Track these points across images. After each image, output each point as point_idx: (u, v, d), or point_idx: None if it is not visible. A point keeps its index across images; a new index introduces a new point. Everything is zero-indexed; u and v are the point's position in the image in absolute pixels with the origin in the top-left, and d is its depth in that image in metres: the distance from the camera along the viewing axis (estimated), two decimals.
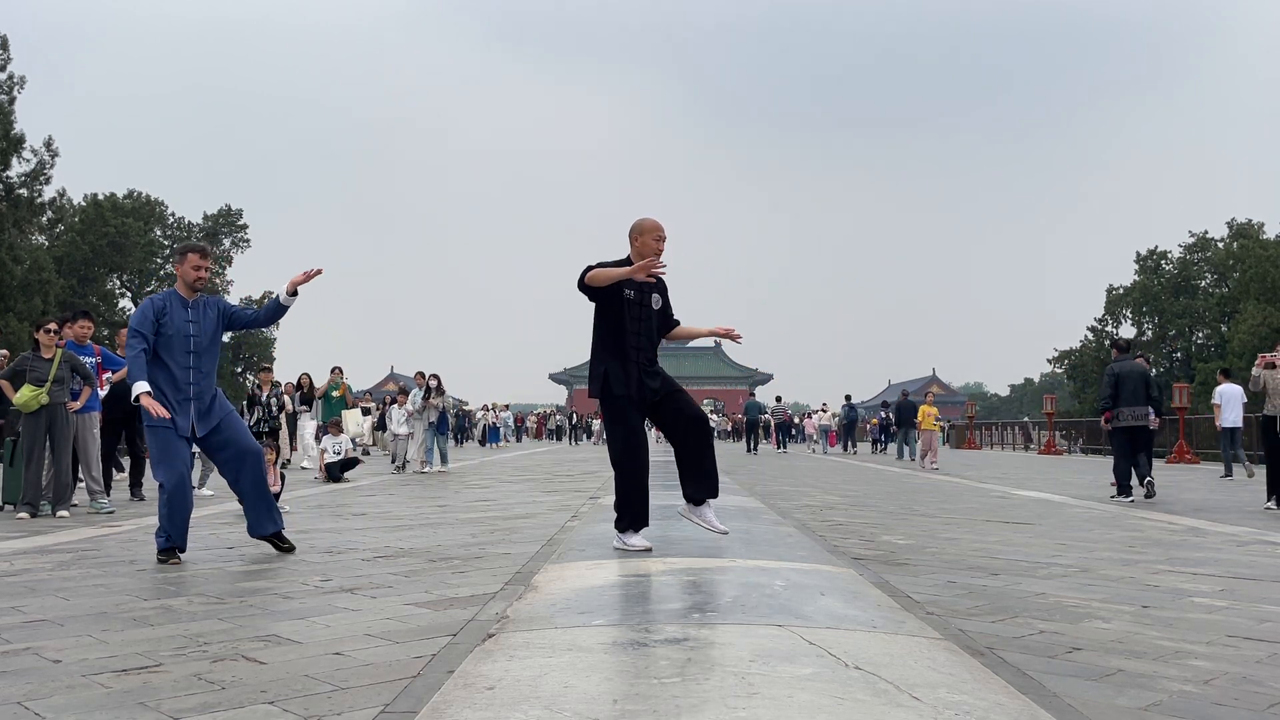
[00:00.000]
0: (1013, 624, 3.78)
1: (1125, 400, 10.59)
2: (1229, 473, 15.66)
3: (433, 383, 15.34)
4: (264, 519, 5.64)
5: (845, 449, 31.09)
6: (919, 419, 19.79)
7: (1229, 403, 15.90)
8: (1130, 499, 10.29)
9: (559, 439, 49.13)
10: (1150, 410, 10.57)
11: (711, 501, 5.40)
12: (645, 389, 5.21)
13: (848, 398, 31.66)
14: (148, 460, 13.13)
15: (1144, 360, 11.24)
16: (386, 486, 12.08)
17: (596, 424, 42.90)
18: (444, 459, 15.95)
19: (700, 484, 5.32)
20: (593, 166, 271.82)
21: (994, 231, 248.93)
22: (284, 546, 5.69)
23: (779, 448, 30.98)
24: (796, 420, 40.14)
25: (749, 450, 27.73)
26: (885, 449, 31.30)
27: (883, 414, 32.07)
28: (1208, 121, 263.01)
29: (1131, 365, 10.81)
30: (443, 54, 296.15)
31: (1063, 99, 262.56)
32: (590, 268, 5.19)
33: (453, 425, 22.30)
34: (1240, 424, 16.12)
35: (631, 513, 5.20)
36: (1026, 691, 2.78)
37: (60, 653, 3.21)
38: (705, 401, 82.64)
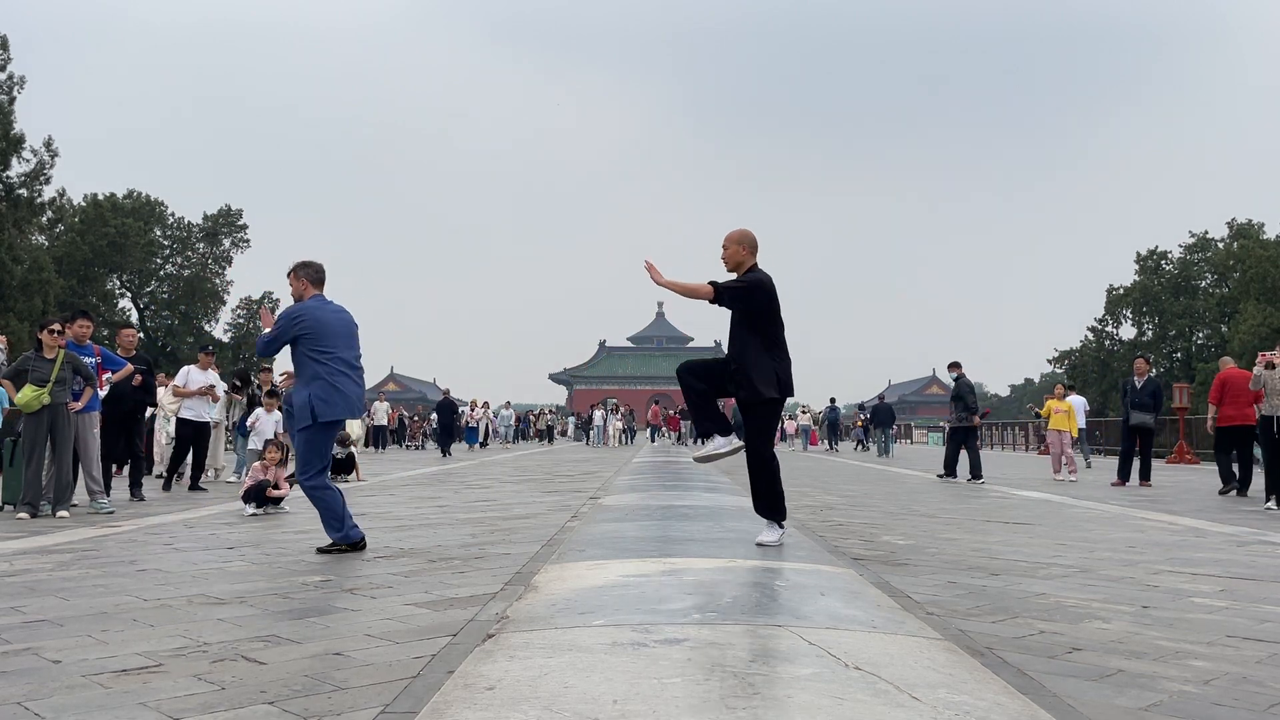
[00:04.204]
0: (1013, 624, 3.78)
1: (971, 407, 14.29)
2: (1087, 465, 20.54)
3: (237, 381, 13.89)
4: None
5: (830, 447, 33.55)
6: (1043, 413, 16.36)
7: (1075, 409, 18.54)
8: (955, 479, 13.78)
9: (550, 440, 46.50)
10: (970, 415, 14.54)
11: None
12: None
13: (832, 400, 34.48)
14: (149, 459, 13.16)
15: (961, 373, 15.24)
16: (386, 487, 12.08)
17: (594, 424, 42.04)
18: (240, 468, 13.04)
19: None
20: (594, 166, 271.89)
21: (994, 231, 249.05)
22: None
23: None
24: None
25: None
26: (867, 448, 33.24)
27: (864, 415, 34.48)
28: (1208, 121, 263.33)
29: (968, 380, 14.85)
30: (444, 56, 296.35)
31: (1063, 99, 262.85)
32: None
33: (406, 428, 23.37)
34: (1083, 426, 20.07)
35: (782, 506, 5.54)
36: (1026, 691, 2.78)
37: (60, 653, 3.21)
38: None
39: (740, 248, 5.70)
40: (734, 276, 5.66)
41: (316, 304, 5.89)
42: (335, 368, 5.72)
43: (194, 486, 11.42)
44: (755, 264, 5.72)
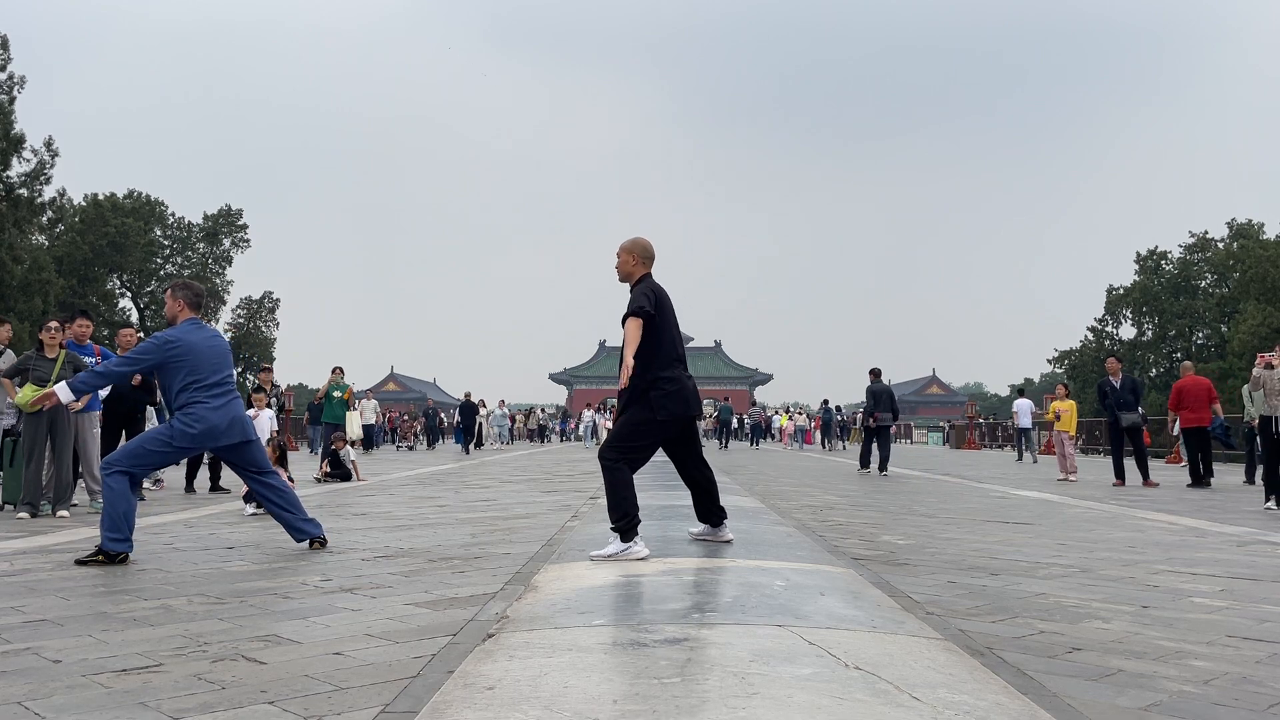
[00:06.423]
0: (1013, 624, 3.78)
1: (880, 408, 16.43)
2: (1021, 458, 23.64)
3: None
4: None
5: (824, 446, 35.28)
6: (1049, 415, 16.20)
7: (1022, 411, 24.21)
8: (868, 471, 15.81)
9: (544, 440, 45.96)
10: (891, 416, 16.59)
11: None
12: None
13: (825, 401, 36.23)
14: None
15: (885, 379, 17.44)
16: (386, 487, 12.08)
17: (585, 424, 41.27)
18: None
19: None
20: (593, 166, 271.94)
21: (994, 232, 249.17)
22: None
23: (753, 445, 37.48)
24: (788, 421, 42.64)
25: (721, 447, 33.24)
26: (833, 447, 35.54)
27: (837, 417, 37.22)
28: (1208, 122, 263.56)
29: (883, 385, 16.87)
30: (442, 55, 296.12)
31: (1063, 100, 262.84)
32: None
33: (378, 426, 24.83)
34: (1030, 426, 24.44)
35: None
36: (1026, 691, 2.78)
37: (60, 653, 3.22)
38: (706, 401, 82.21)
39: (631, 256, 5.40)
40: (627, 287, 5.40)
41: (188, 329, 5.68)
42: (203, 395, 5.53)
43: (214, 488, 11.30)
44: (648, 274, 5.41)
